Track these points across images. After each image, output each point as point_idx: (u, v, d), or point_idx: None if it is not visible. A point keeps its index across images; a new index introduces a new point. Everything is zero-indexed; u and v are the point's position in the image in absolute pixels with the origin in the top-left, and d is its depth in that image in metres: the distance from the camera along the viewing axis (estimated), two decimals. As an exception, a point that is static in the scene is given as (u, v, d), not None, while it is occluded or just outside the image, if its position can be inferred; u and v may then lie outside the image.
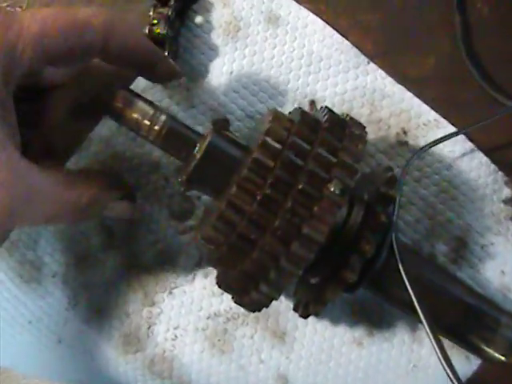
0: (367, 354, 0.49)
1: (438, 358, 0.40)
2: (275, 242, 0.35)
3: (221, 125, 0.41)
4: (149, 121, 0.39)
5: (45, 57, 0.35)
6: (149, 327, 0.51)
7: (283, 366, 0.50)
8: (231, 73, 0.51)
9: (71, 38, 0.36)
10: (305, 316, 0.43)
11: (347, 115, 0.41)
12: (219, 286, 0.42)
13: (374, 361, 0.49)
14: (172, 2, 0.49)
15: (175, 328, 0.50)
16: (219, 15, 0.51)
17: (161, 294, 0.51)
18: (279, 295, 0.37)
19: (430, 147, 0.48)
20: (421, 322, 0.41)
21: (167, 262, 0.51)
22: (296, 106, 0.50)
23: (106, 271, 0.51)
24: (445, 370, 0.39)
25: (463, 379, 0.49)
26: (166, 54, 0.48)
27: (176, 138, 0.40)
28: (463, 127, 0.48)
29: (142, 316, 0.51)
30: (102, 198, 0.41)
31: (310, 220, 0.34)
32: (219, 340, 0.50)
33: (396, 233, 0.42)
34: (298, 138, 0.36)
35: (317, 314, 0.41)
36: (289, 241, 0.35)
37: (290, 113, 0.44)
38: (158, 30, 0.48)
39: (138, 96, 0.40)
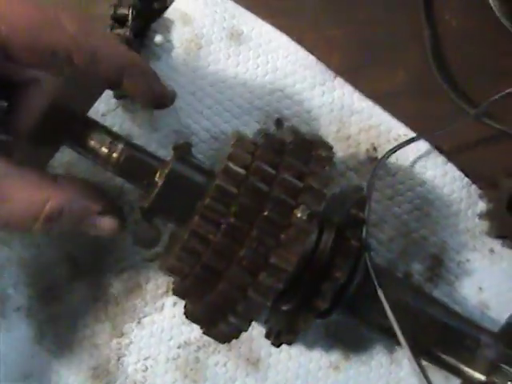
0: (344, 379, 0.48)
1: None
2: (242, 272, 0.33)
3: (183, 149, 0.39)
4: (107, 148, 0.37)
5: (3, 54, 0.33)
6: (118, 359, 0.49)
7: (258, 395, 0.48)
8: (193, 93, 0.49)
9: (34, 40, 0.33)
10: (277, 345, 0.41)
11: (314, 135, 0.40)
12: (187, 317, 0.40)
13: (353, 385, 0.48)
14: (130, 22, 0.48)
15: (145, 359, 0.49)
16: (180, 33, 0.50)
17: (129, 324, 0.49)
18: (248, 326, 0.36)
19: (390, 155, 0.47)
20: (400, 345, 0.40)
21: (135, 290, 0.49)
22: (262, 125, 0.49)
23: (72, 303, 0.49)
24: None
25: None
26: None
27: (136, 165, 0.38)
28: (423, 133, 0.47)
29: (111, 347, 0.49)
30: (76, 206, 0.36)
31: (277, 249, 0.33)
32: (191, 369, 0.48)
33: (370, 257, 0.40)
34: (263, 162, 0.35)
35: (289, 343, 0.40)
36: (256, 271, 0.33)
37: (255, 133, 0.42)
38: (116, 52, 0.46)
39: (96, 123, 0.39)
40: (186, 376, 0.48)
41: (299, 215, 0.33)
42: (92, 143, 0.37)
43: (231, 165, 0.34)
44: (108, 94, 0.49)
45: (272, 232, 0.33)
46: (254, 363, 0.48)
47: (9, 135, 0.38)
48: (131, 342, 0.49)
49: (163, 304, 0.49)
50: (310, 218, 0.33)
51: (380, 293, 0.40)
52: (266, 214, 0.33)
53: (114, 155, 0.37)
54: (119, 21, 0.48)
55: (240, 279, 0.33)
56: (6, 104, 0.39)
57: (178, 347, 0.49)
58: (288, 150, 0.36)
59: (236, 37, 0.50)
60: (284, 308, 0.42)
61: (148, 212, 0.38)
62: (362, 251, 0.40)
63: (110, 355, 0.49)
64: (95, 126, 0.38)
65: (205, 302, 0.36)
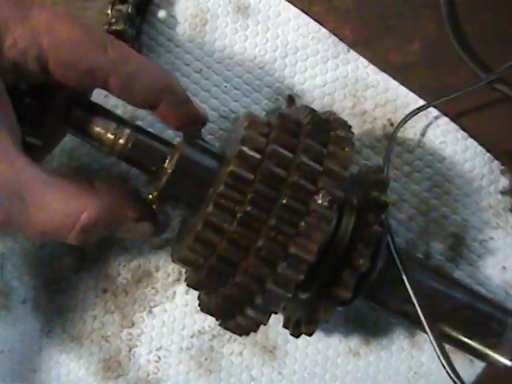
0: (364, 364, 0.46)
1: (445, 369, 0.37)
2: (259, 263, 0.31)
3: (193, 133, 0.37)
4: (112, 134, 0.35)
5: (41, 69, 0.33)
6: (129, 350, 0.47)
7: (276, 382, 0.47)
8: (200, 70, 0.47)
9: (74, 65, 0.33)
10: (296, 335, 0.39)
11: (330, 113, 0.37)
12: (202, 310, 0.38)
13: (373, 371, 0.46)
14: (131, -2, 0.45)
15: (158, 349, 0.47)
16: (184, 8, 0.47)
17: (140, 313, 0.47)
18: (268, 320, 0.33)
19: (403, 124, 0.45)
20: (422, 329, 0.38)
21: (144, 279, 0.47)
22: (273, 102, 0.47)
23: (79, 294, 0.47)
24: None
25: (467, 383, 0.46)
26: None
27: (143, 151, 0.35)
28: (433, 100, 0.45)
29: (121, 338, 0.47)
30: (112, 214, 0.35)
31: (296, 238, 0.31)
32: (206, 359, 0.47)
33: (394, 242, 0.38)
34: (278, 145, 0.32)
35: (310, 334, 0.38)
36: (274, 262, 0.31)
37: (267, 112, 0.40)
38: (118, 28, 0.44)
39: (100, 108, 0.36)
40: (201, 366, 0.47)
41: (320, 201, 0.31)
42: (96, 129, 0.35)
43: (245, 149, 0.32)
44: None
45: (291, 220, 0.31)
46: (270, 351, 0.47)
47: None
48: (142, 332, 0.47)
49: (175, 292, 0.47)
50: (331, 203, 0.31)
51: (405, 279, 0.38)
52: (284, 201, 0.31)
53: (121, 141, 0.35)
54: (120, -4, 0.45)
55: (258, 271, 0.31)
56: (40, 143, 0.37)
57: (192, 336, 0.47)
58: (305, 131, 0.34)
59: (243, 10, 0.47)
60: (302, 296, 0.40)
61: (158, 200, 0.36)
62: (384, 236, 0.38)
63: (120, 346, 0.47)
64: (99, 111, 0.36)
65: (220, 293, 0.34)
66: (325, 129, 0.34)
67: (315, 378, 0.46)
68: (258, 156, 0.32)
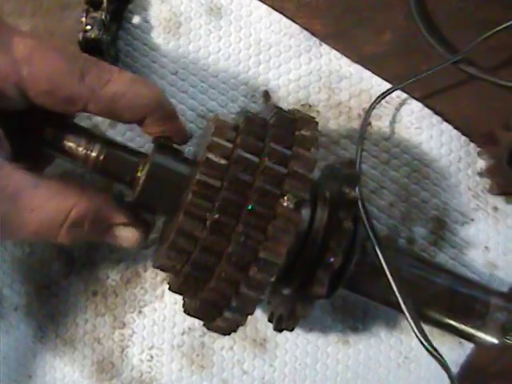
0: (355, 352, 0.47)
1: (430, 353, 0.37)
2: (231, 268, 0.32)
3: (164, 140, 0.37)
4: (84, 149, 0.36)
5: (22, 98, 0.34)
6: (122, 350, 0.48)
7: (268, 375, 0.47)
8: (176, 72, 0.48)
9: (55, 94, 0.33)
10: (279, 330, 0.40)
11: (296, 111, 0.37)
12: (187, 313, 0.39)
13: (363, 358, 0.47)
14: (105, 5, 0.46)
15: (150, 348, 0.47)
16: (157, 13, 0.48)
17: (130, 314, 0.48)
18: (245, 320, 0.34)
19: (373, 108, 0.45)
20: (406, 317, 0.38)
21: (133, 280, 0.48)
22: (249, 99, 0.47)
23: (70, 298, 0.48)
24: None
25: (457, 364, 0.46)
26: (105, 60, 0.45)
27: (116, 163, 0.36)
28: (400, 83, 0.46)
29: (113, 340, 0.48)
30: (101, 214, 0.36)
31: (265, 242, 0.31)
32: (197, 355, 0.47)
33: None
34: (244, 150, 0.33)
35: (290, 330, 0.38)
36: (246, 266, 0.32)
37: (236, 114, 0.40)
38: (93, 36, 0.45)
39: (71, 125, 0.37)
40: (193, 362, 0.47)
41: (286, 204, 0.31)
42: (68, 146, 0.36)
43: (211, 156, 0.32)
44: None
45: (259, 225, 0.32)
46: (261, 343, 0.47)
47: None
48: (134, 333, 0.48)
49: (163, 291, 0.47)
50: (297, 206, 0.31)
51: (385, 267, 0.38)
52: (250, 207, 0.32)
53: (93, 156, 0.36)
54: (94, 4, 0.46)
55: (231, 275, 0.32)
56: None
57: (182, 334, 0.47)
58: (270, 134, 0.34)
59: (215, 11, 0.48)
60: (284, 292, 0.40)
61: (134, 208, 0.37)
62: (358, 229, 0.38)
63: (113, 347, 0.48)
64: (70, 128, 0.37)
65: (199, 298, 0.35)
66: (290, 129, 0.35)
67: (307, 369, 0.47)
68: (224, 162, 0.32)
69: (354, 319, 0.47)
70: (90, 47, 0.45)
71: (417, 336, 0.38)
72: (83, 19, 0.45)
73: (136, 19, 0.48)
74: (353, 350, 0.47)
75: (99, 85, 0.34)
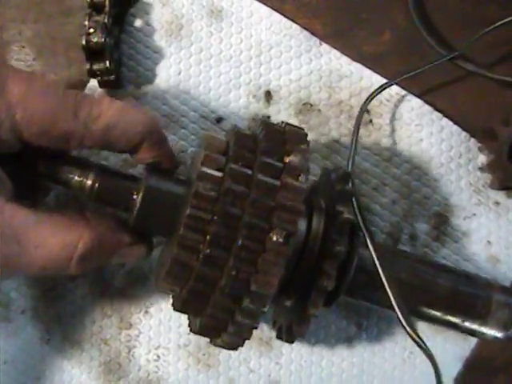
0: (360, 349, 0.47)
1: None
2: (225, 299, 0.33)
3: (155, 164, 0.38)
4: (78, 179, 0.36)
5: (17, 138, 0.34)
6: (129, 351, 0.48)
7: (274, 373, 0.47)
8: (179, 74, 0.48)
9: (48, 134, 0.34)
10: (291, 341, 0.40)
11: (288, 126, 0.36)
12: (191, 331, 0.39)
13: (368, 354, 0.47)
14: (107, 8, 0.47)
15: (156, 348, 0.48)
16: (159, 16, 0.49)
17: (137, 314, 0.48)
18: (243, 343, 0.36)
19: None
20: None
21: (139, 281, 0.48)
22: (250, 99, 0.48)
23: (76, 300, 0.48)
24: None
25: (462, 358, 0.47)
26: (108, 63, 0.46)
27: (111, 190, 0.37)
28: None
29: (120, 340, 0.48)
30: (107, 242, 0.36)
31: (256, 275, 0.32)
32: (203, 354, 0.47)
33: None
34: (233, 180, 0.33)
35: (302, 335, 0.38)
36: (239, 297, 0.33)
37: (226, 133, 0.40)
38: (96, 39, 0.45)
39: (63, 155, 0.38)
40: (199, 361, 0.48)
41: (275, 238, 0.32)
42: (62, 176, 0.36)
43: (201, 188, 0.33)
44: (93, 84, 0.48)
45: (249, 258, 0.32)
46: (267, 342, 0.47)
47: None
48: (140, 333, 0.48)
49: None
50: (286, 239, 0.32)
51: (381, 272, 0.38)
52: (240, 242, 0.32)
53: (87, 185, 0.36)
54: (96, 8, 0.47)
55: (225, 306, 0.33)
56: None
57: (188, 333, 0.47)
58: (258, 160, 0.34)
59: (216, 13, 0.49)
60: (286, 303, 0.40)
61: (133, 230, 0.37)
62: (353, 250, 0.38)
63: (120, 348, 0.48)
64: (62, 158, 0.37)
65: (199, 320, 0.36)
66: (279, 154, 0.34)
67: (312, 366, 0.47)
68: (213, 194, 0.33)
69: (358, 316, 0.47)
70: (93, 51, 0.46)
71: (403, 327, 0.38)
72: (86, 23, 0.46)
73: (138, 22, 0.49)
74: (358, 346, 0.47)
75: (91, 119, 0.34)
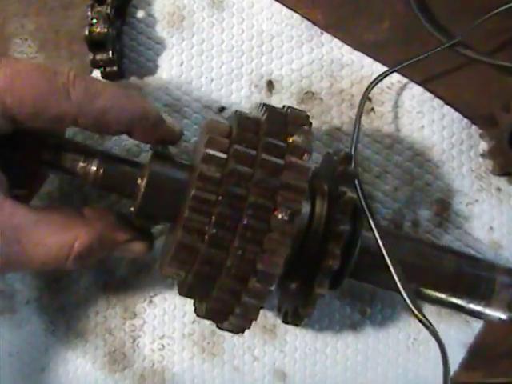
0: (364, 335, 0.47)
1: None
2: (231, 280, 0.33)
3: (160, 149, 0.38)
4: (82, 166, 0.37)
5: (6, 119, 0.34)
6: (133, 341, 0.48)
7: (278, 361, 0.47)
8: (181, 64, 0.49)
9: (40, 109, 0.34)
10: (298, 323, 0.40)
11: (291, 110, 0.37)
12: (197, 316, 0.40)
13: (372, 341, 0.47)
14: (110, 0, 0.47)
15: (161, 337, 0.48)
16: (161, 7, 0.49)
17: (141, 304, 0.48)
18: (250, 324, 0.36)
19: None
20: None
21: (143, 270, 0.48)
22: (252, 89, 0.48)
23: (80, 290, 0.48)
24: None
25: (465, 344, 0.47)
26: (111, 54, 0.46)
27: (115, 177, 0.37)
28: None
29: (124, 330, 0.48)
30: (104, 239, 0.37)
31: (262, 254, 0.32)
32: (208, 343, 0.48)
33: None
34: (237, 162, 0.33)
35: (308, 316, 0.38)
36: (246, 277, 0.33)
37: (228, 117, 0.40)
38: (98, 30, 0.46)
39: (68, 142, 0.38)
40: (204, 350, 0.48)
41: (280, 217, 0.32)
42: (67, 163, 0.37)
43: (205, 169, 0.33)
44: (96, 75, 0.48)
45: (255, 238, 0.32)
46: (271, 330, 0.47)
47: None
48: (145, 322, 0.48)
49: (173, 281, 0.48)
50: (291, 217, 0.32)
51: (388, 260, 0.38)
52: (245, 222, 0.32)
53: (91, 172, 0.37)
54: None
55: (231, 286, 0.33)
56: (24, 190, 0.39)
57: (193, 322, 0.48)
58: (262, 141, 0.34)
59: (218, 4, 0.49)
60: (291, 286, 0.41)
61: (137, 217, 0.37)
62: (356, 230, 0.39)
63: (124, 338, 0.48)
64: (67, 146, 0.38)
65: (206, 304, 0.36)
66: (282, 135, 0.34)
67: (317, 353, 0.47)
68: (218, 175, 0.33)
69: (361, 303, 0.47)
70: (96, 41, 0.46)
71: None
72: (89, 14, 0.46)
73: (140, 14, 0.49)
74: (362, 333, 0.47)
75: (87, 100, 0.34)
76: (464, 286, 0.41)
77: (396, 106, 0.48)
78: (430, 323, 0.37)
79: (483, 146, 0.48)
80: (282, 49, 0.49)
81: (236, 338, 0.47)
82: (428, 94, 0.47)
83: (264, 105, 0.37)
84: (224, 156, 0.33)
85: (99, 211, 0.38)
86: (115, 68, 0.47)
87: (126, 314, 0.48)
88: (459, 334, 0.46)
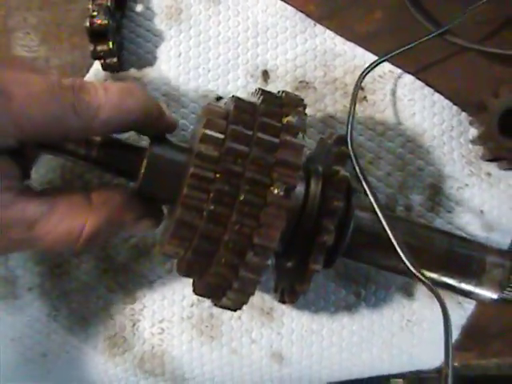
0: (359, 317, 0.48)
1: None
2: (229, 254, 0.34)
3: (159, 134, 0.39)
4: (84, 149, 0.38)
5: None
6: (133, 325, 0.49)
7: (276, 343, 0.48)
8: (179, 55, 0.50)
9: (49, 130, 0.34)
10: (294, 300, 0.40)
11: (286, 93, 0.38)
12: (195, 294, 0.41)
13: (367, 322, 0.48)
14: (110, -6, 0.49)
15: (160, 321, 0.49)
16: (159, 0, 0.51)
17: (140, 289, 0.49)
18: (248, 299, 0.37)
19: (362, 80, 0.47)
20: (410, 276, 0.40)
21: (142, 255, 0.49)
22: (248, 79, 0.50)
23: (82, 276, 0.50)
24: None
25: (458, 326, 0.48)
26: (111, 45, 0.48)
27: (116, 158, 0.38)
28: (387, 53, 0.47)
29: (125, 315, 0.49)
30: (112, 222, 0.38)
31: (259, 229, 0.33)
32: (206, 326, 0.49)
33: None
34: (234, 141, 0.34)
35: (304, 292, 0.39)
36: (243, 252, 0.34)
37: (225, 103, 0.41)
38: (99, 21, 0.47)
39: None
40: (202, 333, 0.49)
41: (276, 192, 0.33)
42: (68, 147, 0.38)
43: (203, 149, 0.34)
44: (96, 66, 0.50)
45: (252, 213, 0.33)
46: (268, 312, 0.48)
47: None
48: (144, 307, 0.49)
49: (172, 265, 0.49)
50: (287, 192, 0.33)
51: (388, 231, 0.40)
52: (242, 197, 0.33)
53: (93, 154, 0.38)
54: (99, -7, 0.49)
55: (229, 261, 0.34)
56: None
57: (191, 306, 0.49)
58: (258, 121, 0.35)
59: (214, -3, 0.51)
60: (287, 265, 0.42)
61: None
62: (350, 207, 0.40)
63: (124, 322, 0.49)
64: None
65: (204, 281, 0.37)
66: (278, 115, 0.36)
67: (313, 335, 0.48)
68: (215, 154, 0.34)
69: (356, 285, 0.48)
70: (97, 32, 0.47)
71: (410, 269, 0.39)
72: (90, 6, 0.48)
73: (139, 7, 0.51)
74: (357, 314, 0.48)
75: (90, 116, 0.35)
76: (455, 266, 0.42)
77: (388, 94, 0.49)
78: (432, 285, 0.38)
79: (473, 132, 0.49)
80: (276, 40, 0.50)
81: (234, 321, 0.49)
82: (419, 83, 0.49)
83: (260, 89, 0.39)
84: (221, 136, 0.35)
85: (106, 194, 0.39)
86: (115, 59, 0.48)
87: (127, 298, 0.49)
88: (452, 316, 0.46)
